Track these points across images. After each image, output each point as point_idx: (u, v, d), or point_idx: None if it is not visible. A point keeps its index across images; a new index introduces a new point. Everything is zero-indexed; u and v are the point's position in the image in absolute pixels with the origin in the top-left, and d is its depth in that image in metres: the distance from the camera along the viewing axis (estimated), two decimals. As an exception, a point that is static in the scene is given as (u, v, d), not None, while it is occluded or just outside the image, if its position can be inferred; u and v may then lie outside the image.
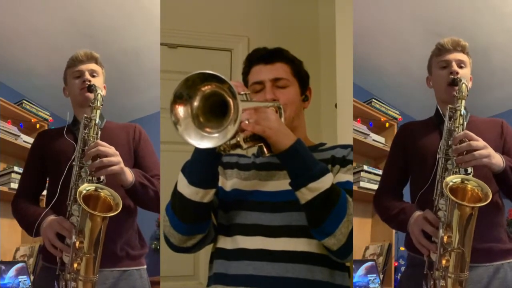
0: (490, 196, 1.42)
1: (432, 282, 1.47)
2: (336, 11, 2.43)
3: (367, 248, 3.14)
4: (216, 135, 1.15)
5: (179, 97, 1.16)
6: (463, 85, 1.62)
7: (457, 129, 1.57)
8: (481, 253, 1.59)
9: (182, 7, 2.98)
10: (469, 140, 1.50)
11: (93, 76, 1.80)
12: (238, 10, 3.11)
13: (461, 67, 1.71)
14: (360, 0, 2.35)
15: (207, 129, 1.17)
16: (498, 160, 1.53)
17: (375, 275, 2.89)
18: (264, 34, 3.05)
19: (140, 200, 1.74)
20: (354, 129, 2.89)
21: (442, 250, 1.44)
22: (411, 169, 1.78)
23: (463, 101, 1.60)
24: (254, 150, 1.57)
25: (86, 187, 1.55)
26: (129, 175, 1.66)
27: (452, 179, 1.49)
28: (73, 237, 1.50)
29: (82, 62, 1.81)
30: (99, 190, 1.56)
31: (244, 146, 1.25)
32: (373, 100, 3.19)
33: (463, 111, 1.59)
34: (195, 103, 1.17)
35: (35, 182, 1.83)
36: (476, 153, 1.48)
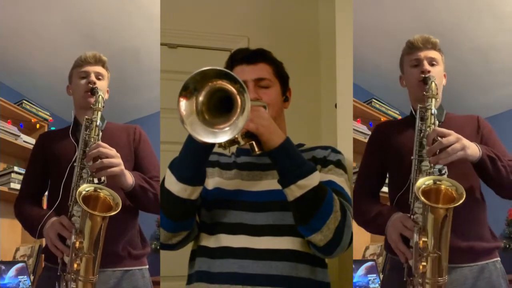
0: (464, 195, 1.39)
1: (411, 287, 1.45)
2: (336, 11, 2.42)
3: (367, 248, 3.14)
4: (227, 128, 1.20)
5: (185, 89, 1.18)
6: (433, 83, 1.60)
7: (428, 129, 1.54)
8: (464, 252, 1.59)
9: (182, 7, 2.98)
10: (441, 137, 1.46)
11: (99, 79, 1.82)
12: (238, 10, 3.11)
13: (432, 65, 1.70)
14: (360, 0, 2.34)
15: (216, 126, 1.20)
16: (473, 150, 1.50)
17: (375, 275, 2.89)
18: (264, 34, 3.05)
19: (140, 203, 1.75)
20: (354, 129, 2.88)
21: (418, 256, 1.41)
22: (388, 169, 1.76)
23: (434, 100, 1.58)
24: (233, 149, 1.58)
25: (85, 188, 1.55)
26: (130, 178, 1.67)
27: (424, 181, 1.45)
28: (73, 237, 1.51)
29: (89, 64, 1.83)
30: (98, 190, 1.56)
31: (242, 142, 1.29)
32: (373, 100, 3.18)
33: (433, 110, 1.56)
34: (200, 98, 1.20)
35: (38, 183, 1.84)
36: (449, 149, 1.45)
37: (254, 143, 1.32)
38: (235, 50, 1.62)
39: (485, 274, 1.61)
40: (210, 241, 1.45)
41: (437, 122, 1.56)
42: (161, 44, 2.78)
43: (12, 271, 2.76)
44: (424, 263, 1.40)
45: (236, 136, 1.26)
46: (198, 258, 1.47)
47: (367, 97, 3.22)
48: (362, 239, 3.14)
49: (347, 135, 2.33)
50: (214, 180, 1.53)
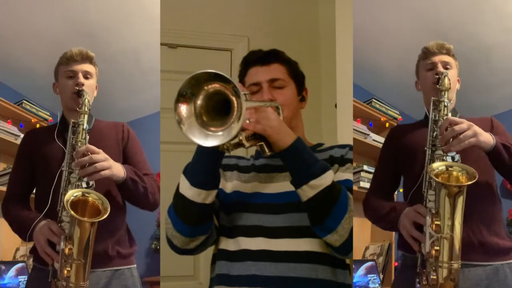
0: (476, 176, 1.40)
1: (425, 278, 1.45)
2: (336, 11, 2.43)
3: (367, 248, 3.14)
4: (221, 133, 1.16)
5: (183, 95, 1.17)
6: (446, 78, 1.63)
7: (441, 119, 1.57)
8: (480, 248, 1.58)
9: (182, 7, 2.98)
10: (453, 126, 1.49)
11: (87, 78, 1.75)
12: (238, 10, 3.11)
13: (446, 68, 1.72)
14: (360, 0, 2.35)
15: (211, 128, 1.18)
16: (486, 137, 1.51)
17: (375, 275, 2.89)
18: (264, 34, 3.05)
19: (130, 196, 1.73)
20: (354, 129, 2.89)
21: (430, 239, 1.41)
22: (402, 169, 1.76)
23: (446, 92, 1.61)
24: (252, 152, 1.57)
25: (73, 193, 1.54)
26: (121, 171, 1.66)
27: (438, 166, 1.48)
28: (62, 243, 1.50)
29: (76, 62, 1.75)
30: (86, 194, 1.55)
31: (247, 144, 1.26)
32: (373, 100, 3.19)
33: (446, 102, 1.59)
34: (199, 102, 1.18)
35: (25, 183, 1.80)
36: (461, 136, 1.47)
37: (264, 144, 1.30)
38: (248, 52, 1.61)
39: (499, 276, 1.59)
40: (230, 244, 1.43)
41: (449, 114, 1.58)
42: (161, 44, 2.78)
43: (12, 271, 2.77)
44: (437, 248, 1.40)
45: (241, 138, 1.24)
46: (218, 262, 1.45)
47: (367, 97, 3.22)
48: (362, 239, 3.14)
49: (347, 135, 2.33)
50: (232, 184, 1.51)
